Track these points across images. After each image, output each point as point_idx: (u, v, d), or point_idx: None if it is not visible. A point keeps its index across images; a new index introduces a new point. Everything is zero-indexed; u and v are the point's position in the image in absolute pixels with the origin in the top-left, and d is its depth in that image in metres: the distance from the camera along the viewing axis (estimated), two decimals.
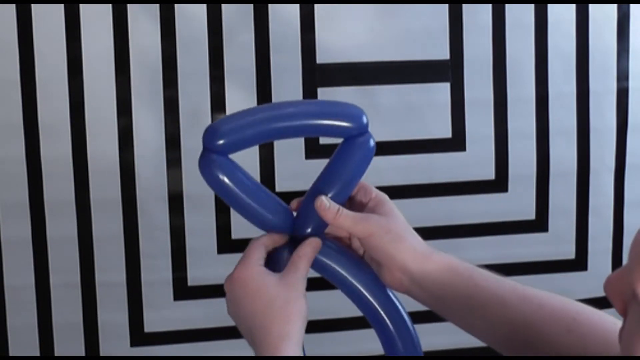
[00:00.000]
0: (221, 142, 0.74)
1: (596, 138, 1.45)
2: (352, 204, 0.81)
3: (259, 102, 1.35)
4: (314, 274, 0.79)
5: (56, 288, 1.33)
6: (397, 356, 0.80)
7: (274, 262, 0.77)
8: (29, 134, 1.29)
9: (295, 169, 1.35)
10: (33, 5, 1.26)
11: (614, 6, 1.43)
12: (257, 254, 0.76)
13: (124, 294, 1.35)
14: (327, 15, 1.35)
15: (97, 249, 1.33)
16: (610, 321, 0.71)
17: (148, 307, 1.36)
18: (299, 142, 1.35)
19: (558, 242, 1.47)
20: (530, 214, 1.46)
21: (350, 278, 0.79)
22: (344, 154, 0.78)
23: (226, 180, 0.75)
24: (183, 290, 1.37)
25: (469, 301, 0.76)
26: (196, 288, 1.37)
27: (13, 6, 1.26)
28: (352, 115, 0.78)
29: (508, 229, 1.45)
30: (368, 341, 1.38)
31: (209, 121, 1.34)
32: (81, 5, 1.28)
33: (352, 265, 0.79)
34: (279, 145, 1.35)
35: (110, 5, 1.29)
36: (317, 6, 1.34)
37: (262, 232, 0.80)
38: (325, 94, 1.35)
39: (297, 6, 1.34)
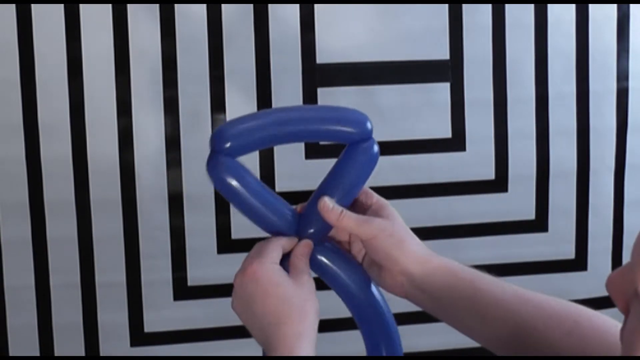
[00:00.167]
0: (229, 144, 0.75)
1: (596, 138, 1.45)
2: (353, 208, 0.81)
3: (259, 103, 1.35)
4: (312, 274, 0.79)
5: (56, 288, 1.33)
6: (397, 356, 0.81)
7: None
8: (29, 134, 1.29)
9: (295, 169, 1.35)
10: (33, 5, 1.26)
11: (614, 6, 1.43)
12: (275, 254, 0.76)
13: (124, 294, 1.35)
14: (327, 16, 1.35)
15: (97, 249, 1.33)
16: (611, 324, 0.71)
17: (148, 307, 1.36)
18: (299, 143, 1.35)
19: (558, 242, 1.47)
20: (530, 214, 1.46)
21: (344, 277, 0.80)
22: (348, 160, 0.79)
23: (234, 182, 0.76)
24: (183, 290, 1.37)
25: (469, 304, 0.76)
26: (196, 288, 1.37)
27: (13, 6, 1.26)
28: (356, 121, 0.79)
29: (508, 229, 1.45)
30: None
31: (209, 121, 1.34)
32: (81, 5, 1.28)
33: (347, 266, 0.80)
34: (279, 145, 1.35)
35: (110, 5, 1.29)
36: (317, 6, 1.34)
37: (266, 234, 0.80)
38: (325, 94, 1.35)
39: (297, 6, 1.34)
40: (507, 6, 1.39)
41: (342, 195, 0.79)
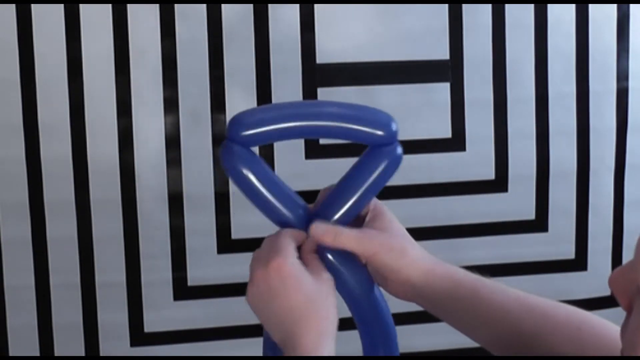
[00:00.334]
0: (246, 133, 0.73)
1: (596, 138, 1.45)
2: None
3: (259, 103, 1.35)
4: None
5: (56, 288, 1.33)
6: (395, 356, 0.81)
7: None
8: (29, 134, 1.29)
9: (295, 168, 1.35)
10: (33, 5, 1.26)
11: (614, 6, 1.43)
12: (291, 247, 0.74)
13: (124, 294, 1.35)
14: (327, 16, 1.35)
15: (97, 249, 1.33)
16: (613, 330, 0.71)
17: (148, 307, 1.36)
18: (299, 142, 1.35)
19: (558, 242, 1.47)
20: (530, 214, 1.46)
21: (349, 277, 0.79)
22: (369, 162, 0.78)
23: (247, 172, 0.74)
24: (183, 290, 1.37)
25: (472, 312, 0.76)
26: (196, 288, 1.37)
27: (13, 6, 1.26)
28: (382, 122, 0.77)
29: (508, 229, 1.45)
30: None
31: (209, 121, 1.34)
32: (81, 5, 1.28)
33: (353, 266, 0.79)
34: (279, 145, 1.35)
35: (110, 5, 1.29)
36: (317, 6, 1.34)
37: (275, 228, 0.79)
38: (325, 94, 1.35)
39: (297, 6, 1.34)
40: (507, 6, 1.39)
41: (360, 197, 0.78)
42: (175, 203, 1.34)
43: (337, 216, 0.78)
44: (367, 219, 0.79)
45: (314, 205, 0.80)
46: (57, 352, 1.34)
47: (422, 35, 1.38)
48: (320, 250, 0.78)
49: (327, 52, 1.35)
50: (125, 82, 1.31)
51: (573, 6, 1.42)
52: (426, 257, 0.78)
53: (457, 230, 1.42)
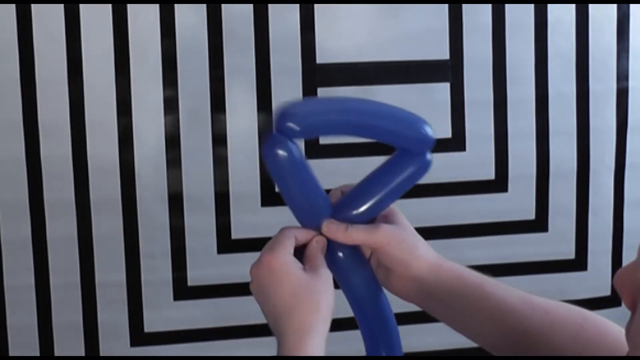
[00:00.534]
0: (293, 125, 0.72)
1: (596, 138, 1.45)
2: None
3: (259, 102, 1.35)
4: None
5: (56, 288, 1.33)
6: (398, 356, 0.81)
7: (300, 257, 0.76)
8: (29, 134, 1.29)
9: None
10: (33, 5, 1.26)
11: (614, 6, 1.43)
12: (288, 243, 0.74)
13: (124, 294, 1.35)
14: (327, 15, 1.35)
15: (97, 249, 1.33)
16: (616, 329, 0.72)
17: (148, 307, 1.36)
18: (299, 142, 1.35)
19: (558, 242, 1.47)
20: (530, 214, 1.46)
21: (357, 277, 0.78)
22: (399, 165, 0.78)
23: (288, 164, 0.73)
24: (183, 290, 1.36)
25: (477, 309, 0.76)
26: (196, 288, 1.37)
27: (13, 6, 1.26)
28: (423, 131, 0.78)
29: (508, 229, 1.45)
30: None
31: (209, 121, 1.34)
32: (81, 5, 1.28)
33: (362, 266, 0.79)
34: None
35: (110, 5, 1.29)
36: (317, 6, 1.34)
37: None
38: (325, 94, 1.35)
39: (297, 6, 1.34)
40: (507, 6, 1.39)
41: (382, 198, 0.77)
42: (175, 203, 1.34)
43: (358, 214, 0.77)
44: (379, 216, 0.79)
45: (334, 204, 0.79)
46: (57, 352, 1.34)
47: (422, 35, 1.38)
48: (331, 250, 0.77)
49: (327, 52, 1.35)
50: (125, 82, 1.31)
51: (573, 6, 1.42)
52: (433, 253, 0.79)
53: (457, 230, 1.42)
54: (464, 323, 0.78)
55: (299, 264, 0.73)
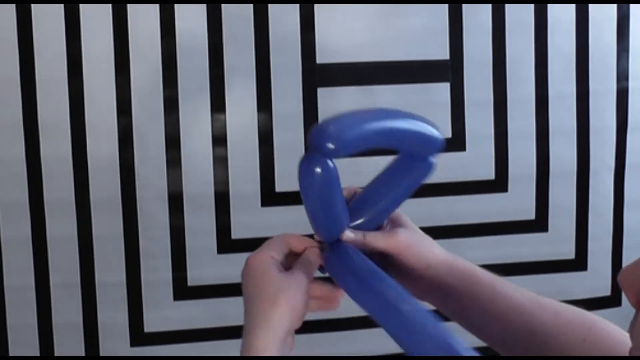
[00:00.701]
0: (331, 144, 0.69)
1: (596, 138, 1.45)
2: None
3: (259, 102, 1.35)
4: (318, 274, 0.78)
5: (56, 288, 1.33)
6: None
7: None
8: (29, 134, 1.29)
9: (295, 169, 1.34)
10: (33, 5, 1.26)
11: (614, 6, 1.43)
12: (277, 247, 0.74)
13: (124, 294, 1.35)
14: (327, 15, 1.35)
15: (97, 249, 1.33)
16: (621, 333, 0.72)
17: (148, 307, 1.36)
18: (299, 142, 1.35)
19: (558, 242, 1.47)
20: (530, 214, 1.46)
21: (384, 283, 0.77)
22: (406, 168, 0.78)
23: (326, 184, 0.71)
24: (183, 290, 1.37)
25: (489, 306, 0.76)
26: (196, 288, 1.37)
27: (13, 6, 1.26)
28: (435, 137, 0.78)
29: (508, 229, 1.45)
30: (368, 341, 1.39)
31: (209, 121, 1.34)
32: (81, 5, 1.28)
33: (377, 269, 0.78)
34: (279, 145, 1.35)
35: (110, 5, 1.29)
36: (317, 6, 1.34)
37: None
38: (325, 94, 1.35)
39: (297, 6, 1.34)
40: (507, 6, 1.39)
41: (391, 202, 0.78)
42: (175, 203, 1.34)
43: (367, 219, 0.77)
44: (385, 222, 0.80)
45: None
46: (57, 352, 1.34)
47: (422, 35, 1.38)
48: (341, 261, 0.75)
49: (327, 52, 1.36)
50: (125, 82, 1.31)
51: (573, 6, 1.42)
52: (446, 251, 0.80)
53: (457, 230, 1.43)
54: (475, 321, 0.78)
55: (278, 266, 0.72)
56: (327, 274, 0.77)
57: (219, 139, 1.34)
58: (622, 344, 0.70)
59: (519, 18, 1.40)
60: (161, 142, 1.33)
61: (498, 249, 1.44)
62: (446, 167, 1.41)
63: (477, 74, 1.40)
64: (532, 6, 1.40)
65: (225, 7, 1.32)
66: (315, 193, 0.72)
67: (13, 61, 1.27)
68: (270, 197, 1.35)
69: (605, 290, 1.49)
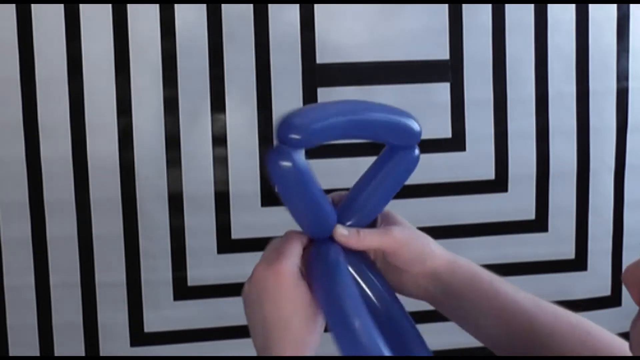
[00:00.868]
0: (297, 136, 0.69)
1: (596, 138, 1.45)
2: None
3: (258, 102, 1.35)
4: None
5: (56, 288, 1.33)
6: (397, 356, 0.80)
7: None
8: (29, 134, 1.29)
9: None
10: (33, 5, 1.26)
11: (614, 6, 1.43)
12: (296, 252, 0.71)
13: (124, 294, 1.35)
14: (327, 15, 1.35)
15: (97, 249, 1.33)
16: (615, 338, 0.72)
17: (148, 307, 1.36)
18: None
19: (558, 242, 1.47)
20: (530, 214, 1.46)
21: (367, 281, 0.77)
22: (391, 163, 0.77)
23: (294, 175, 0.71)
24: (183, 290, 1.37)
25: (489, 305, 0.76)
26: (196, 288, 1.37)
27: (13, 6, 1.26)
28: (411, 125, 0.76)
29: (508, 229, 1.45)
30: None
31: (209, 121, 1.34)
32: (81, 5, 1.28)
33: (371, 268, 0.78)
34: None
35: (110, 5, 1.29)
36: (317, 6, 1.34)
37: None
38: (325, 94, 1.35)
39: (297, 6, 1.34)
40: (507, 6, 1.39)
41: (381, 197, 0.77)
42: (175, 203, 1.34)
43: (357, 218, 0.76)
44: (379, 220, 0.78)
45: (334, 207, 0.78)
46: (57, 352, 1.34)
47: (422, 35, 1.38)
48: (335, 258, 0.74)
49: (327, 51, 1.35)
50: (125, 82, 1.31)
51: (573, 6, 1.42)
52: (444, 249, 0.78)
53: (457, 230, 1.43)
54: (474, 320, 0.77)
55: (301, 277, 0.70)
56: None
57: (219, 139, 1.34)
58: (618, 349, 0.70)
59: (519, 18, 1.40)
60: (161, 142, 1.33)
61: (498, 249, 1.44)
62: (446, 167, 1.41)
63: (477, 74, 1.40)
64: (532, 6, 1.40)
65: (225, 7, 1.32)
66: (285, 185, 0.71)
67: (13, 61, 1.27)
68: (270, 197, 1.35)
69: (605, 291, 1.49)
